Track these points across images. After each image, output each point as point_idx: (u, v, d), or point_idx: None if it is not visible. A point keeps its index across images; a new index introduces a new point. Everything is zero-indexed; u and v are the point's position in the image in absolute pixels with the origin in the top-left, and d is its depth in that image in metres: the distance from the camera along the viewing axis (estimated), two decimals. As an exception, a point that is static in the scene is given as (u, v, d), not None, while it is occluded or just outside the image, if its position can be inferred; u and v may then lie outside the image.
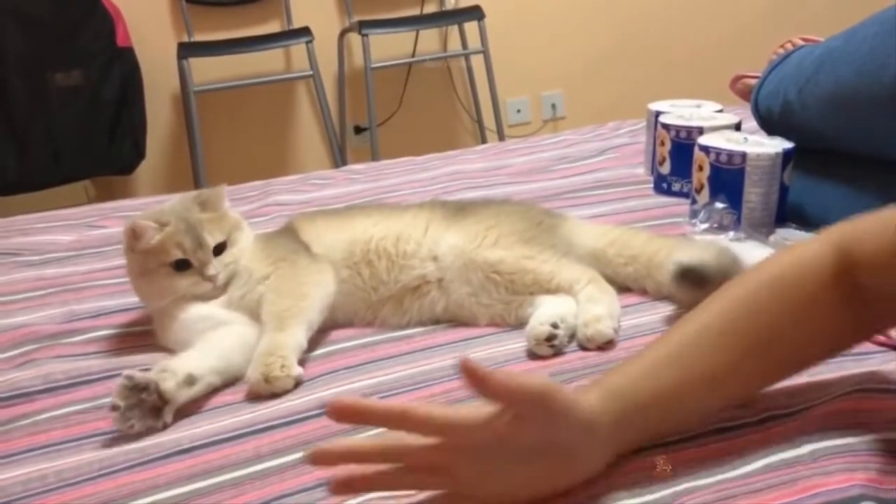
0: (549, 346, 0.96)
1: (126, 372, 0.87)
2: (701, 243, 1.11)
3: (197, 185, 3.03)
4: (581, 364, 0.93)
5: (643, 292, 1.10)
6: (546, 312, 0.99)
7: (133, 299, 1.11)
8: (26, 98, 2.81)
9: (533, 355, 0.97)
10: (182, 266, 1.03)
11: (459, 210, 1.15)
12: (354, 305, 1.09)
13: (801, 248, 0.75)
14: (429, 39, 3.46)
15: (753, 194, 1.25)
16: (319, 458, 0.66)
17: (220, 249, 1.05)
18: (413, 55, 3.43)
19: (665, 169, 1.47)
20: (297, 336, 0.98)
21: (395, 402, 0.70)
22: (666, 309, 1.05)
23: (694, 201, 1.33)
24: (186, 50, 3.02)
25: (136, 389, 0.87)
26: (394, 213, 1.15)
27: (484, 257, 1.06)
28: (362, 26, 3.12)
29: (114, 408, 0.86)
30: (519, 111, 3.67)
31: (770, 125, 1.36)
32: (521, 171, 1.66)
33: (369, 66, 3.14)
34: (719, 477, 0.68)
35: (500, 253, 1.06)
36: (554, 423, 0.65)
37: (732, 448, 0.72)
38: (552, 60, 3.61)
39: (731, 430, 0.74)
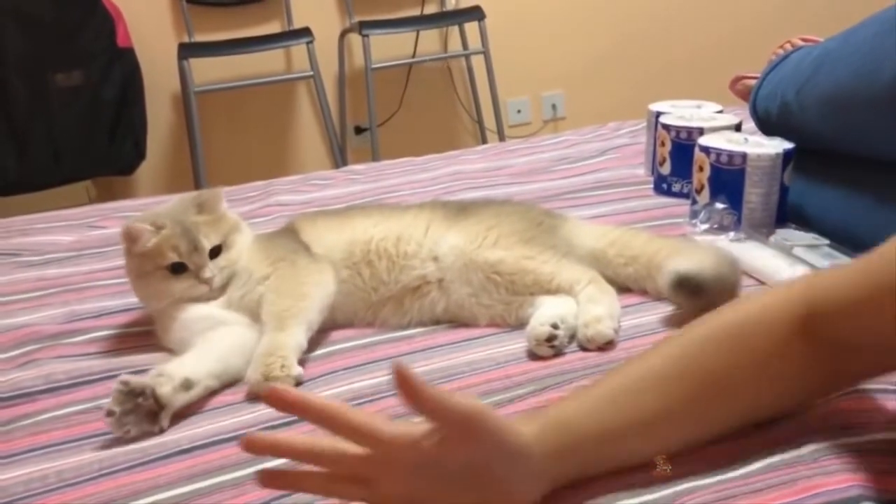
0: (549, 347, 0.96)
1: (122, 377, 0.87)
2: (701, 247, 1.11)
3: (197, 185, 3.03)
4: (581, 364, 0.94)
5: (643, 293, 1.10)
6: (546, 313, 0.99)
7: (134, 299, 1.11)
8: (27, 98, 2.81)
9: (533, 356, 0.97)
10: (178, 269, 1.03)
11: (460, 210, 1.15)
12: (355, 306, 1.09)
13: (766, 295, 0.73)
14: (429, 40, 3.46)
15: (754, 195, 1.25)
16: (250, 445, 0.65)
17: (216, 252, 1.05)
18: (413, 56, 3.43)
19: (665, 169, 1.47)
20: (297, 336, 0.98)
21: (335, 401, 0.68)
22: (666, 309, 1.05)
23: (694, 202, 1.33)
24: (187, 50, 3.02)
25: (132, 394, 0.86)
26: (394, 214, 1.15)
27: (484, 258, 1.06)
28: (363, 27, 3.12)
29: (109, 413, 0.86)
30: (519, 111, 3.67)
31: (768, 127, 1.37)
32: (521, 172, 1.66)
33: (370, 67, 3.14)
34: (720, 477, 0.68)
35: (501, 253, 1.06)
36: (482, 449, 0.63)
37: (733, 448, 0.71)
38: (552, 61, 3.61)
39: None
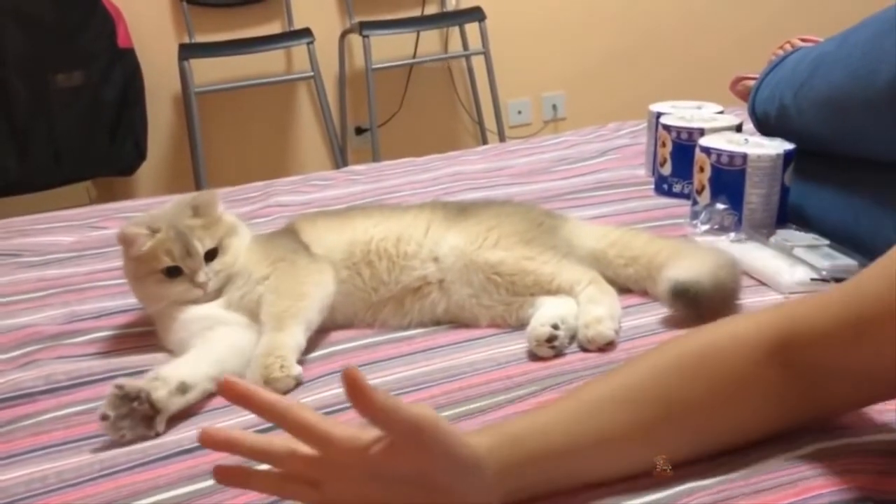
0: (549, 348, 0.96)
1: (117, 381, 0.87)
2: (701, 250, 1.11)
3: (198, 186, 3.03)
4: (582, 365, 0.94)
5: (644, 293, 1.10)
6: (547, 313, 0.99)
7: (134, 300, 1.11)
8: (27, 99, 2.81)
9: (534, 356, 0.97)
10: (173, 273, 1.03)
11: (460, 211, 1.15)
12: (355, 306, 1.09)
13: (736, 323, 0.73)
14: (430, 40, 3.46)
15: (754, 195, 1.25)
16: (206, 439, 0.65)
17: (212, 255, 1.05)
18: (414, 56, 3.43)
19: (666, 170, 1.47)
20: (296, 336, 0.98)
21: (289, 399, 0.67)
22: (666, 310, 1.05)
23: (695, 202, 1.33)
24: (187, 51, 3.02)
25: (127, 398, 0.86)
26: (394, 214, 1.15)
27: (485, 258, 1.06)
28: (363, 27, 3.12)
29: (104, 417, 0.85)
30: (520, 112, 3.67)
31: (767, 128, 1.37)
32: (521, 172, 1.66)
33: (370, 67, 3.14)
34: (720, 477, 0.68)
35: (501, 254, 1.06)
36: (430, 459, 0.63)
37: (733, 449, 0.71)
38: (553, 62, 3.61)
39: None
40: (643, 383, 0.70)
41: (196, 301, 1.04)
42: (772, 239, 1.19)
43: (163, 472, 0.80)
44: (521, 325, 1.02)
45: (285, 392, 0.92)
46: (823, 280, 1.07)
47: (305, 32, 3.10)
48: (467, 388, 0.91)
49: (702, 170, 1.30)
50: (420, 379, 0.94)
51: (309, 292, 1.03)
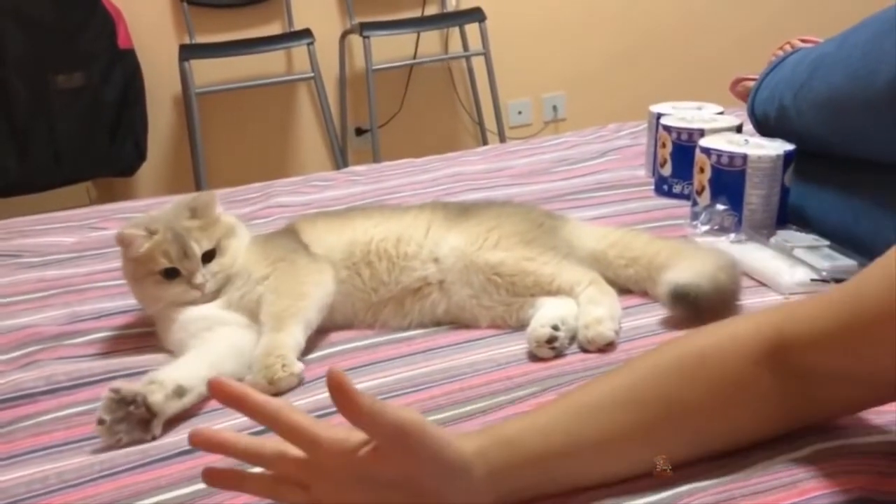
0: (549, 348, 0.96)
1: (113, 384, 0.87)
2: (701, 251, 1.11)
3: (198, 186, 3.04)
4: (582, 366, 0.94)
5: (644, 294, 1.10)
6: (547, 314, 0.99)
7: (134, 301, 1.11)
8: (27, 99, 2.82)
9: (534, 357, 0.97)
10: (171, 274, 1.03)
11: (461, 212, 1.15)
12: (354, 307, 1.09)
13: (734, 325, 0.72)
14: (430, 41, 3.46)
15: (754, 196, 1.25)
16: (198, 440, 0.65)
17: (210, 257, 1.05)
18: (414, 57, 3.43)
19: (666, 171, 1.47)
20: (296, 335, 0.98)
21: (279, 400, 0.68)
22: (666, 311, 1.05)
23: (695, 203, 1.33)
24: (188, 52, 3.02)
25: (124, 402, 0.85)
26: (394, 215, 1.15)
27: (485, 259, 1.06)
28: (363, 28, 3.12)
29: (100, 421, 0.85)
30: (520, 113, 3.67)
31: (767, 130, 1.37)
32: (522, 173, 1.66)
33: (370, 68, 3.14)
34: (720, 478, 0.68)
35: (501, 255, 1.06)
36: (417, 462, 0.62)
37: (733, 450, 0.71)
38: (553, 62, 3.61)
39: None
40: (643, 384, 0.70)
41: (194, 302, 1.04)
42: (772, 240, 1.19)
43: (163, 473, 0.80)
44: (521, 326, 1.02)
45: (288, 390, 0.92)
46: (823, 281, 1.07)
47: (306, 33, 3.10)
48: (467, 388, 0.91)
49: (702, 170, 1.30)
50: (420, 380, 0.94)
51: (308, 292, 1.03)
